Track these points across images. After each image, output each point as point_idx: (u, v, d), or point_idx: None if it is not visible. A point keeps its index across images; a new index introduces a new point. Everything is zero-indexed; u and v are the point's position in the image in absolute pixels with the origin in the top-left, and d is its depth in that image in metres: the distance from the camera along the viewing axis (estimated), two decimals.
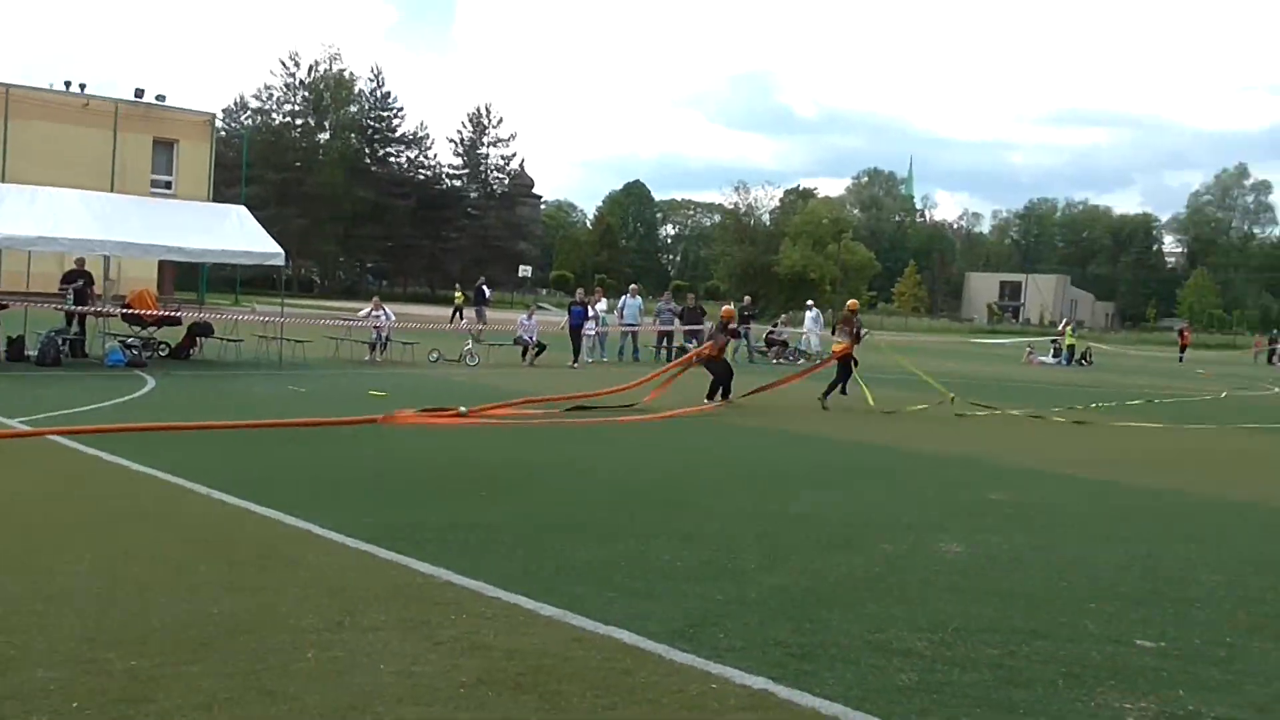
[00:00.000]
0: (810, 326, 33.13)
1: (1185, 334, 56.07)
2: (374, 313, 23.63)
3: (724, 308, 19.43)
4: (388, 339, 23.53)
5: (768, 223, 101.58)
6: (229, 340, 21.68)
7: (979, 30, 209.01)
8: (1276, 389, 30.43)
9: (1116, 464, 12.72)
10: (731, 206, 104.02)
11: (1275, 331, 66.64)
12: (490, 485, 9.11)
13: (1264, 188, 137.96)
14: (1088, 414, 18.78)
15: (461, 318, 40.13)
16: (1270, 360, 52.80)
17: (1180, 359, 48.76)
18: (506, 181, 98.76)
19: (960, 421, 16.88)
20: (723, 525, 7.91)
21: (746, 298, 36.68)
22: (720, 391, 17.10)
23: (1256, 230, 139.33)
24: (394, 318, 24.58)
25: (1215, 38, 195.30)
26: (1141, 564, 7.35)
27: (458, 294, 47.08)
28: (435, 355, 23.18)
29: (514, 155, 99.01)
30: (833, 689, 4.60)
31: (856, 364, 18.12)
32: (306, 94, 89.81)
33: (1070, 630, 5.68)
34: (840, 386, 17.90)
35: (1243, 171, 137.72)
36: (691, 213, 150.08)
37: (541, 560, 6.58)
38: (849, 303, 19.83)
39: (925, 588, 6.41)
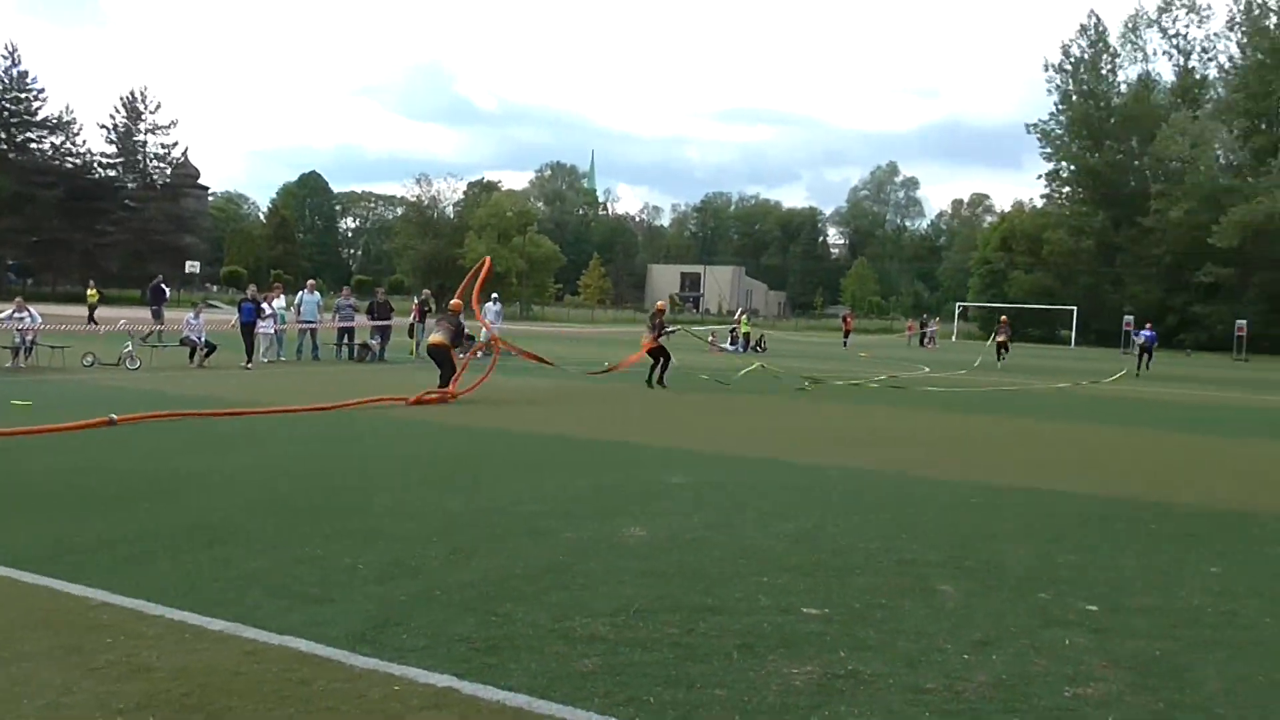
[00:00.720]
0: (492, 318, 33.10)
1: (848, 320, 60.45)
2: (16, 314, 21.57)
3: (453, 301, 19.44)
4: (33, 343, 21.55)
5: (451, 215, 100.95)
6: None
7: (653, 27, 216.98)
8: (926, 368, 33.28)
9: (791, 443, 13.50)
10: (414, 199, 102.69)
11: (925, 316, 72.97)
12: (147, 496, 8.43)
13: (913, 184, 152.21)
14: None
15: (94, 320, 36.51)
16: (922, 343, 57.79)
17: (844, 343, 52.37)
18: (168, 171, 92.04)
19: (665, 406, 17.40)
20: (408, 524, 7.72)
21: (426, 291, 36.27)
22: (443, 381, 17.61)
23: (908, 223, 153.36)
24: (40, 319, 22.51)
25: (867, 44, 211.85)
26: (810, 537, 7.81)
27: (92, 291, 42.90)
28: (90, 359, 21.43)
29: (175, 144, 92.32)
30: (518, 680, 4.60)
31: (668, 356, 21.41)
32: None
33: (745, 604, 5.94)
34: (661, 372, 21.12)
35: (894, 169, 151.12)
36: (372, 205, 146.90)
37: (209, 572, 6.19)
38: (658, 303, 23.83)
39: (608, 572, 6.52)
